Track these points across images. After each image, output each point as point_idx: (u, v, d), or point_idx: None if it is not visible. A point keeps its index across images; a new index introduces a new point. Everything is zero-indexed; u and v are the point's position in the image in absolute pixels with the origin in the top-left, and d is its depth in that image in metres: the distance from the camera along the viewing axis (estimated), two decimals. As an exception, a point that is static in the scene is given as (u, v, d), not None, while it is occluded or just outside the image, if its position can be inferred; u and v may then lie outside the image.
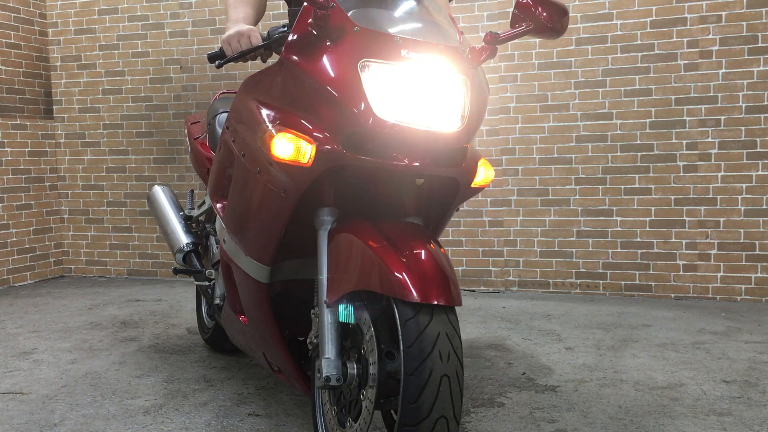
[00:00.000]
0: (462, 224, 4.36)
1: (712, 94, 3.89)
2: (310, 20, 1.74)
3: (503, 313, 3.72)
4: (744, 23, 3.83)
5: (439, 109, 1.73)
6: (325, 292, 1.78)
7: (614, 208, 4.09)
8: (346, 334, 1.80)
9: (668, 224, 4.01)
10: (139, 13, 4.90)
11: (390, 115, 1.68)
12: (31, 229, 4.95)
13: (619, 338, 3.18)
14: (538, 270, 4.25)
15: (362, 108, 1.66)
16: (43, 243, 5.04)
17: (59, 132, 5.14)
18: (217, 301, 2.57)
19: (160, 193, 3.10)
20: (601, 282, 4.14)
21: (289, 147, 1.69)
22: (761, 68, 3.81)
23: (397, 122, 1.68)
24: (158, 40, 4.88)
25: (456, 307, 1.66)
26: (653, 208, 4.02)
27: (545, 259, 4.23)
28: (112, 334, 3.43)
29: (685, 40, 3.91)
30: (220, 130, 2.72)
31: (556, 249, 4.20)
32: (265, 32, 1.93)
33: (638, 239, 4.06)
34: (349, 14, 1.75)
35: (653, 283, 4.05)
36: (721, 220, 3.92)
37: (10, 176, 4.78)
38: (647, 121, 4.00)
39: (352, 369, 1.74)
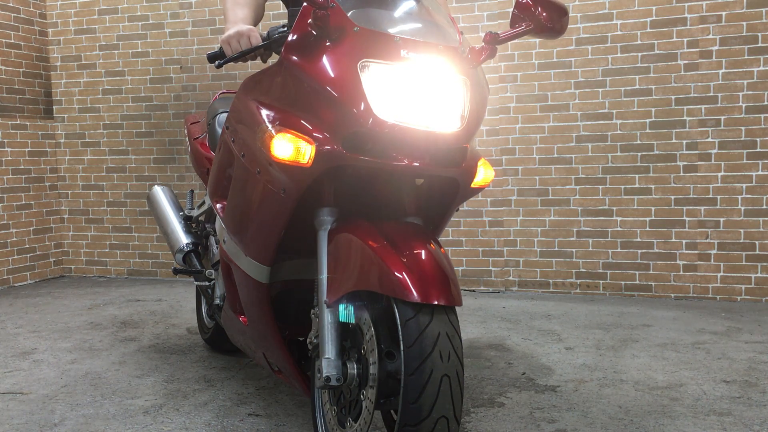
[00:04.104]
0: (462, 224, 4.36)
1: (712, 94, 3.89)
2: (309, 20, 1.74)
3: (503, 313, 3.72)
4: (744, 23, 3.83)
5: (438, 109, 1.73)
6: (325, 292, 1.77)
7: (614, 208, 4.09)
8: (346, 334, 1.80)
9: (668, 224, 4.01)
10: (139, 13, 4.90)
11: (390, 115, 1.68)
12: (31, 229, 4.95)
13: (619, 338, 3.18)
14: (538, 270, 4.25)
15: (362, 108, 1.66)
16: (43, 243, 5.04)
17: (59, 132, 5.14)
18: (217, 301, 2.57)
19: (160, 193, 3.10)
20: (601, 282, 4.14)
21: (289, 147, 1.69)
22: (761, 68, 3.81)
23: (396, 122, 1.68)
24: (158, 40, 4.88)
25: (456, 307, 1.66)
26: (653, 208, 4.02)
27: (545, 259, 4.23)
28: (112, 334, 3.43)
29: (685, 40, 3.91)
30: (220, 130, 2.72)
31: (556, 249, 4.20)
32: (265, 32, 1.93)
33: (638, 239, 4.06)
34: (349, 14, 1.75)
35: (653, 283, 4.04)
36: (721, 220, 3.92)
37: (10, 176, 4.78)
38: (647, 121, 4.00)
39: (352, 369, 1.74)
